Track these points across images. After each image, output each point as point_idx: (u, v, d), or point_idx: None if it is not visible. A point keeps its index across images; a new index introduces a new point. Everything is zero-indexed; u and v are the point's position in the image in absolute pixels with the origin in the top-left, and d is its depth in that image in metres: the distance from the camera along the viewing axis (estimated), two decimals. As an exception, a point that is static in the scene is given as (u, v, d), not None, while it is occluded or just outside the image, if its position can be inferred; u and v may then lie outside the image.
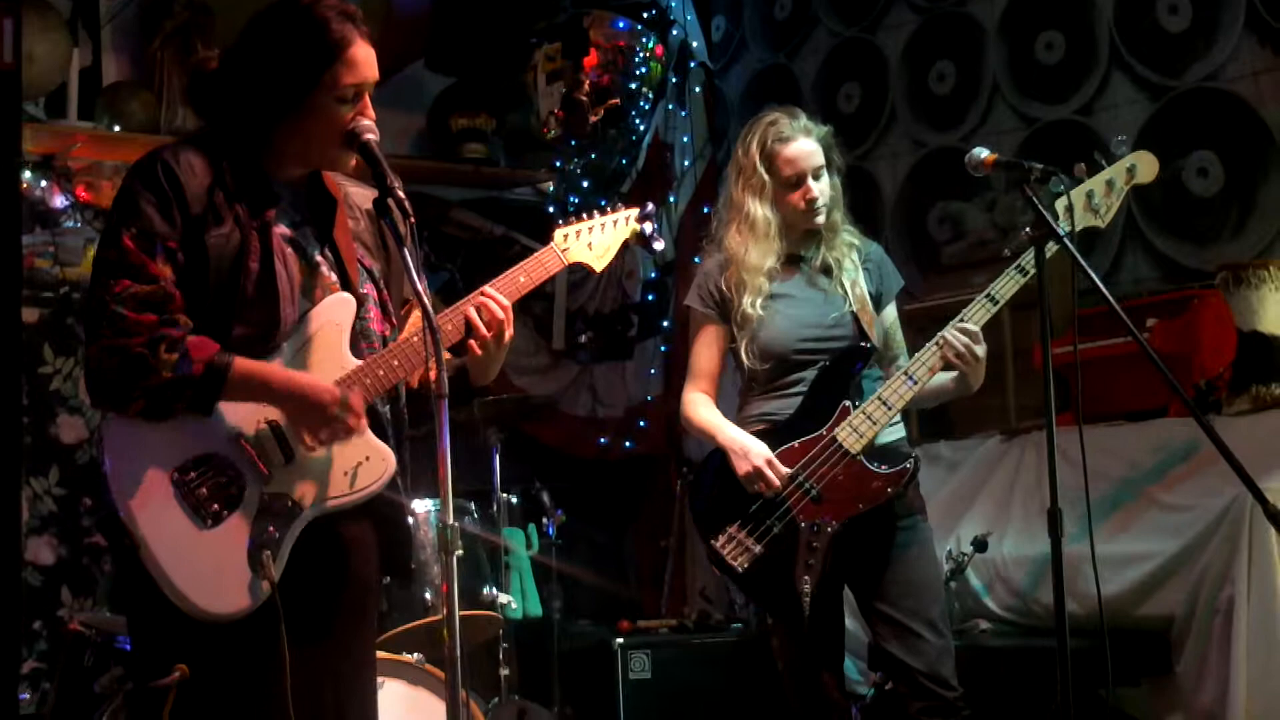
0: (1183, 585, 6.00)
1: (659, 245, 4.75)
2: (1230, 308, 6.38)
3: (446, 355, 3.90)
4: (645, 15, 9.63)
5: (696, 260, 9.49)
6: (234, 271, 3.78)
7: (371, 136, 3.88)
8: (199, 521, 3.69)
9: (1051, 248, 4.65)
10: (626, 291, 9.87)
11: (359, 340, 3.96)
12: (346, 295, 3.95)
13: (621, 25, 9.57)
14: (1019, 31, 8.05)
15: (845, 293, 5.28)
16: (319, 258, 3.96)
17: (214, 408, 3.73)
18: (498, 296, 4.08)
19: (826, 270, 5.34)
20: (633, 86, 9.56)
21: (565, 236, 4.45)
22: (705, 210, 9.39)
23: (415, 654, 5.62)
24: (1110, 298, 4.55)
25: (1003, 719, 5.99)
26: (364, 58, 3.88)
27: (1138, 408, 6.56)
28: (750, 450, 5.11)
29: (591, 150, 9.56)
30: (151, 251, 3.71)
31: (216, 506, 3.71)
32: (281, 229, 3.90)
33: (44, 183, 7.77)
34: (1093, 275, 4.53)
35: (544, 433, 9.29)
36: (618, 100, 9.47)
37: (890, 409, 5.09)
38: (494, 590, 6.37)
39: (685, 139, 9.70)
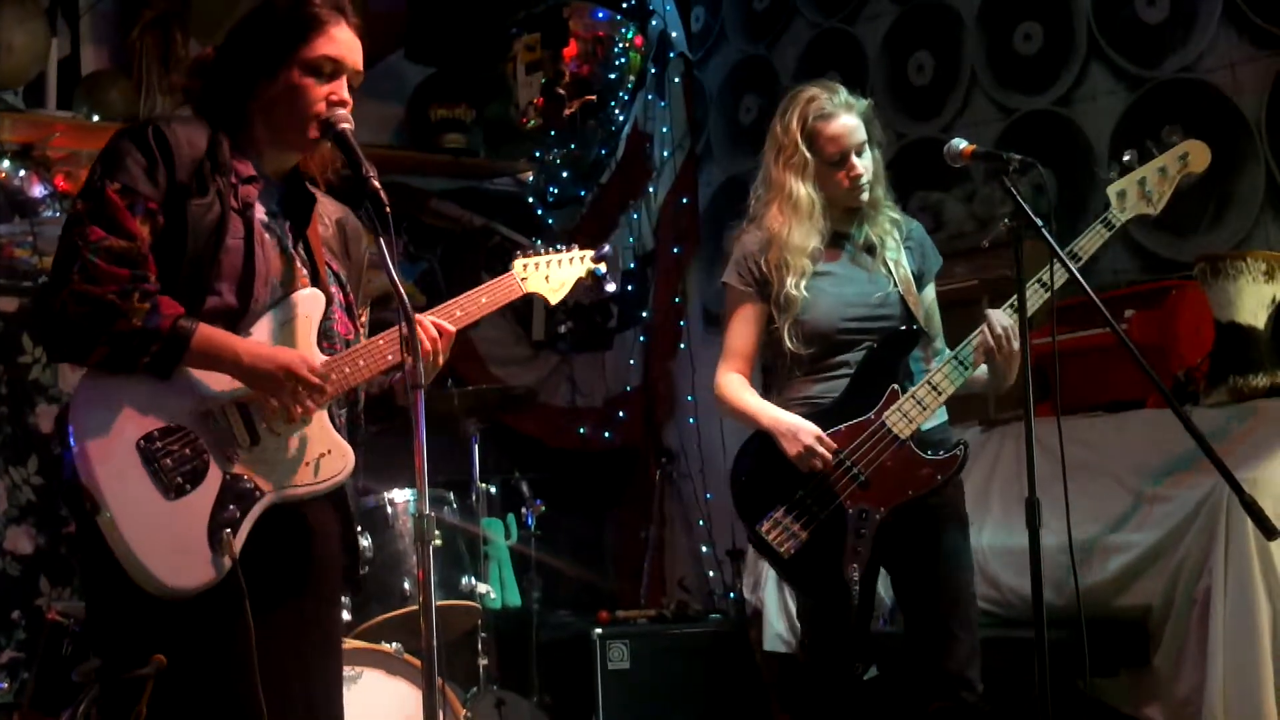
0: (1160, 576, 6.00)
1: (610, 287, 4.83)
2: (1208, 299, 6.38)
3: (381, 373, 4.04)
4: (624, 6, 9.63)
5: (676, 250, 9.56)
6: (212, 244, 3.80)
7: (347, 126, 3.91)
8: (163, 491, 3.68)
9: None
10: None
11: (322, 340, 3.98)
12: (318, 291, 3.99)
13: (601, 16, 9.58)
14: (997, 22, 8.05)
15: (889, 272, 5.21)
16: (293, 251, 3.99)
17: (173, 371, 3.72)
18: (442, 324, 4.09)
19: (869, 249, 5.26)
20: (612, 77, 9.56)
21: (525, 267, 4.52)
22: (684, 201, 9.44)
23: (394, 644, 5.63)
24: (1088, 289, 4.57)
25: (981, 709, 6.01)
26: (345, 38, 3.95)
27: (1116, 399, 6.56)
28: (799, 429, 5.02)
29: (571, 141, 9.57)
30: (133, 208, 3.73)
31: (180, 479, 3.70)
32: (260, 214, 3.93)
33: (22, 172, 7.75)
34: (1070, 266, 4.55)
35: (523, 423, 9.30)
36: (593, 96, 9.47)
37: (941, 394, 5.03)
38: (473, 580, 6.37)
39: (665, 130, 9.70)
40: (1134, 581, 6.10)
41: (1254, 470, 5.59)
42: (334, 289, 4.07)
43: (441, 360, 4.09)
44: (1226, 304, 6.29)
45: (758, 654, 7.66)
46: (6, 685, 7.04)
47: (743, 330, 5.28)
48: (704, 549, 9.28)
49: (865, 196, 5.21)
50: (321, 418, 3.93)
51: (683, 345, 9.65)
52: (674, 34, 9.73)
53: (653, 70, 9.73)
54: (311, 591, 3.97)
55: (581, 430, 9.71)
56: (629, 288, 9.83)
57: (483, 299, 4.30)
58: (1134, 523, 6.14)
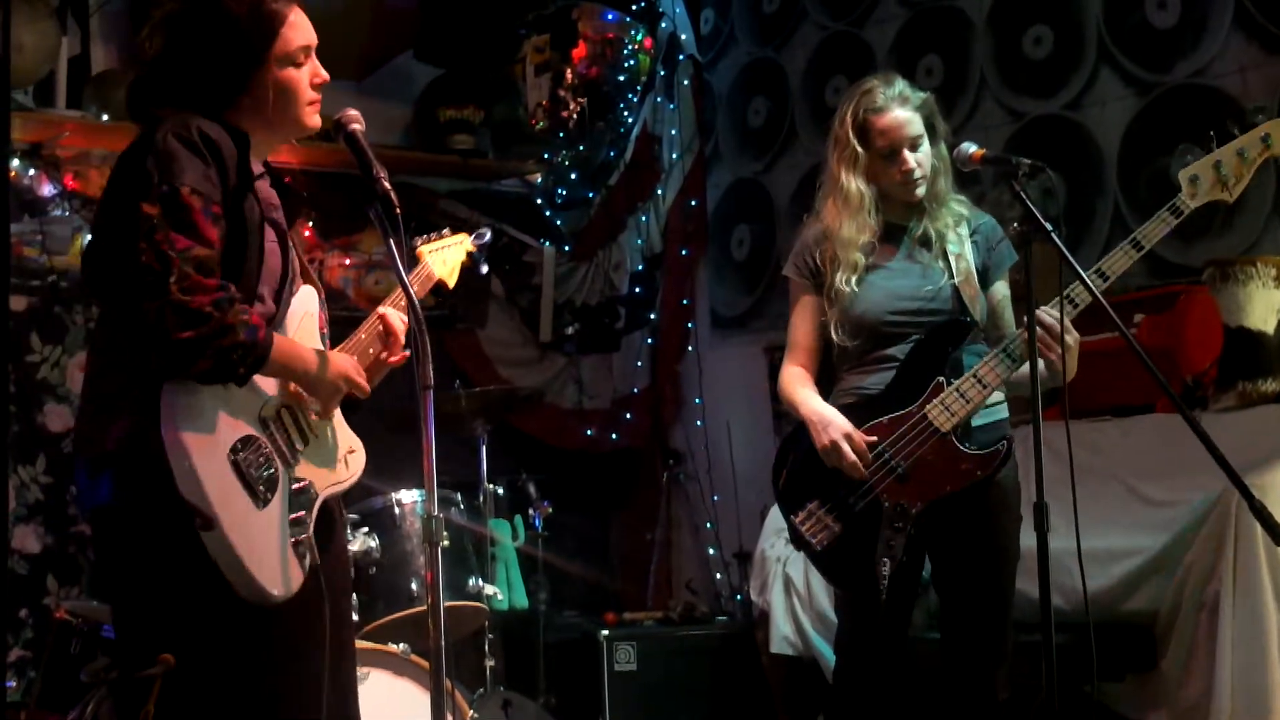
0: (1168, 581, 5.99)
1: (483, 269, 5.06)
2: (1217, 303, 6.38)
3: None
4: (634, 8, 9.64)
5: (685, 252, 9.56)
6: (258, 247, 3.82)
7: (357, 127, 3.92)
8: (255, 501, 3.69)
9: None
10: (614, 284, 9.88)
11: None
12: (310, 288, 4.03)
13: (610, 17, 9.58)
14: (1007, 26, 8.04)
15: (947, 265, 5.08)
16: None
17: (251, 379, 3.72)
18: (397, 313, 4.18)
19: (926, 243, 5.14)
20: (621, 79, 9.57)
21: (430, 253, 4.74)
22: (693, 204, 9.42)
23: (401, 644, 5.62)
24: (1097, 293, 4.56)
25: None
26: (302, 20, 3.98)
27: (1124, 403, 6.56)
28: (830, 423, 4.94)
29: (579, 142, 9.57)
30: (208, 213, 3.68)
31: (263, 488, 3.71)
32: (278, 214, 3.97)
33: (32, 171, 7.76)
34: (1080, 270, 4.54)
35: (530, 424, 9.31)
36: (584, 99, 9.46)
37: (986, 387, 4.89)
38: (480, 581, 6.37)
39: (673, 132, 9.69)
40: (1141, 586, 6.09)
41: (1263, 476, 5.59)
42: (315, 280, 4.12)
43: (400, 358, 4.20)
44: (1236, 309, 6.28)
45: (764, 656, 7.66)
46: (14, 684, 7.03)
47: (802, 323, 5.22)
48: (711, 551, 9.29)
49: (920, 191, 5.11)
50: (338, 415, 3.98)
51: (690, 347, 9.65)
52: (683, 36, 9.72)
53: (662, 72, 9.72)
54: (336, 591, 3.97)
55: (588, 432, 9.72)
56: (637, 289, 9.84)
57: (415, 287, 4.35)
58: (1141, 527, 6.14)
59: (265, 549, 3.68)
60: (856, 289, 5.05)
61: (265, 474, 3.71)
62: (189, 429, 3.62)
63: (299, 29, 3.94)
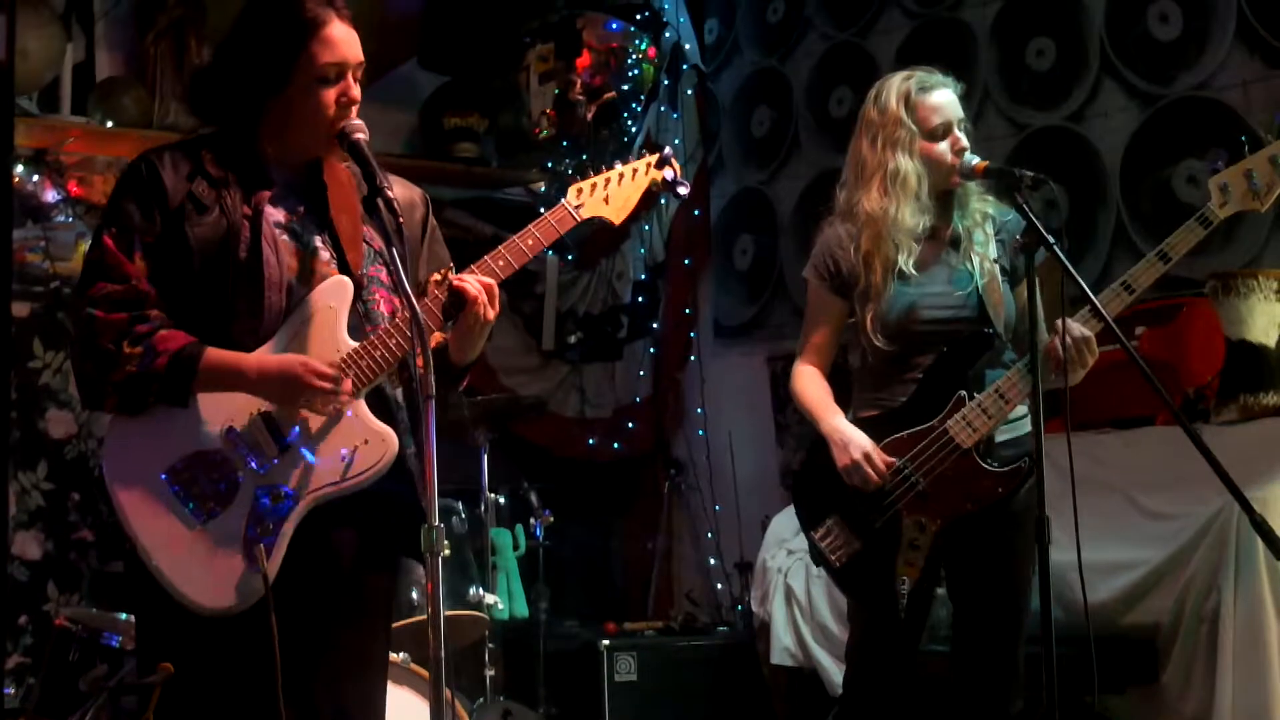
0: (1169, 594, 5.99)
1: (684, 190, 4.54)
2: (1219, 316, 6.37)
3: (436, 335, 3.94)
4: (638, 17, 9.64)
5: (688, 262, 9.56)
6: (223, 260, 3.80)
7: (361, 135, 3.87)
8: (191, 519, 3.71)
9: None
10: (616, 293, 9.89)
11: (363, 324, 3.91)
12: (343, 278, 3.90)
13: (614, 27, 9.59)
14: (1010, 38, 8.05)
15: (973, 269, 4.95)
16: (318, 243, 3.93)
17: (189, 399, 3.75)
18: (482, 280, 3.96)
19: (955, 242, 5.01)
20: (625, 88, 9.57)
21: (579, 192, 4.27)
22: (696, 213, 9.43)
23: (401, 654, 5.62)
24: (1099, 305, 4.55)
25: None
26: (341, 36, 3.86)
27: (1126, 416, 6.55)
28: (851, 441, 4.83)
29: (583, 151, 9.57)
30: (129, 250, 3.77)
31: (211, 504, 3.72)
32: (276, 215, 3.89)
33: (36, 177, 7.77)
34: (1082, 283, 4.52)
35: (533, 433, 9.30)
36: (614, 94, 9.47)
37: (1008, 402, 4.78)
38: (480, 590, 6.37)
39: (677, 141, 9.67)
40: (1143, 599, 6.09)
41: (1264, 489, 5.58)
42: (375, 269, 3.99)
43: (492, 315, 3.96)
44: (1237, 321, 6.28)
45: (765, 667, 7.66)
46: (13, 691, 7.04)
47: (818, 324, 5.12)
48: (712, 561, 9.28)
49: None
50: (358, 407, 3.85)
51: (692, 357, 9.66)
52: (687, 46, 9.73)
53: (666, 82, 9.72)
54: (347, 609, 3.91)
55: (590, 440, 9.71)
56: (640, 298, 9.83)
57: (529, 241, 4.08)
58: (1143, 540, 6.13)
59: (199, 565, 3.72)
60: (916, 271, 4.92)
61: (211, 490, 3.75)
62: (119, 459, 3.79)
63: (332, 45, 3.85)
